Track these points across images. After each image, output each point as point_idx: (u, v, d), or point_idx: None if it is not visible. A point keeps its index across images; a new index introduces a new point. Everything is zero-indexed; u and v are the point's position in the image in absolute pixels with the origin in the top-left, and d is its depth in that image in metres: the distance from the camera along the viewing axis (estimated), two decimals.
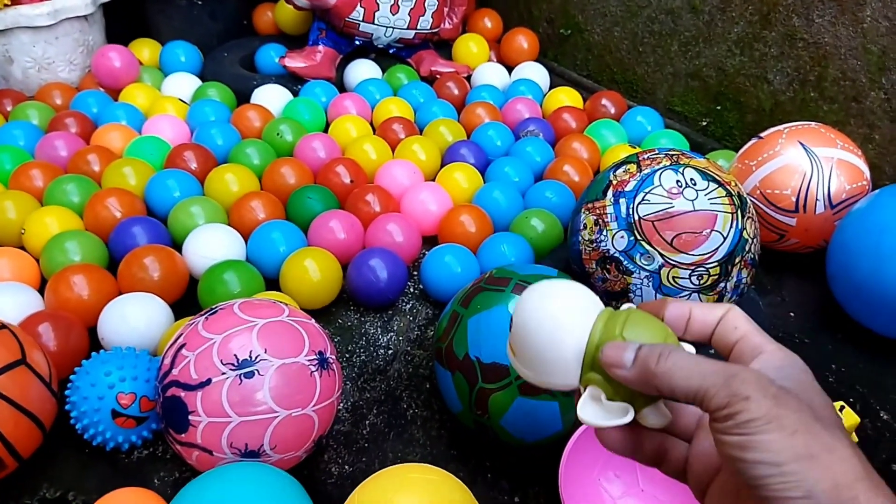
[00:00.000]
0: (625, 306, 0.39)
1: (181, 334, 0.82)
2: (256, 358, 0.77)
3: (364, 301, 1.15)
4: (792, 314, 1.16)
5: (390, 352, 1.10)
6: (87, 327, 1.01)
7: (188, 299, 1.12)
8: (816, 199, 1.15)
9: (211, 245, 1.14)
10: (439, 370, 0.89)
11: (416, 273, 1.25)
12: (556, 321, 0.39)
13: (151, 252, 1.10)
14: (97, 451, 0.90)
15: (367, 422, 0.98)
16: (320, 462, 0.92)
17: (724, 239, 0.88)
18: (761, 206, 1.19)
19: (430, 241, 1.31)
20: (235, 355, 0.77)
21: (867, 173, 1.18)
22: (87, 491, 0.86)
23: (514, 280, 0.86)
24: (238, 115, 1.52)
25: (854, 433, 0.90)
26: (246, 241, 1.19)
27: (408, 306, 1.19)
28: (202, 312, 0.84)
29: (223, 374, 0.76)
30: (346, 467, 0.92)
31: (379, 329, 1.14)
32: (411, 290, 1.22)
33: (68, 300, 1.03)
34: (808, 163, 1.16)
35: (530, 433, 0.84)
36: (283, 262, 1.14)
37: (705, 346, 0.38)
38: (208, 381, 0.76)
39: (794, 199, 1.16)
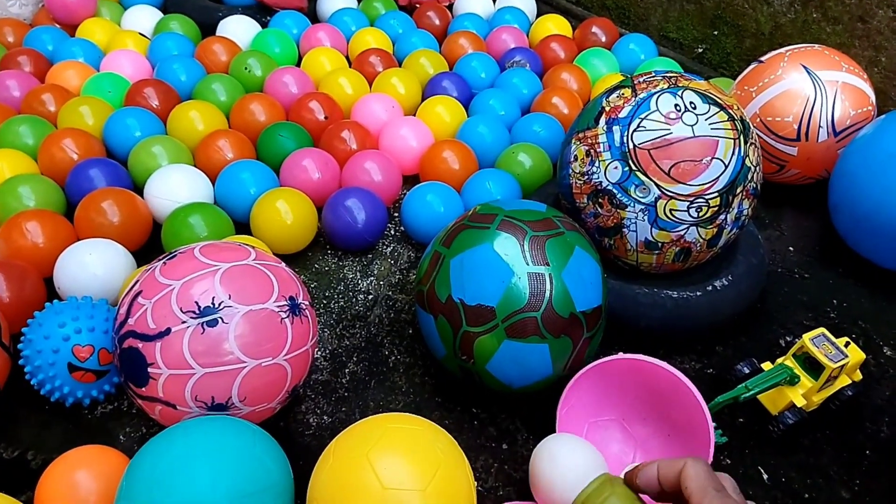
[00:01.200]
0: (628, 468, 0.49)
1: (137, 281, 0.75)
2: (220, 305, 0.71)
3: (341, 244, 1.09)
4: (791, 248, 1.11)
5: (370, 297, 1.04)
6: (43, 277, 0.95)
7: (151, 246, 1.05)
8: (819, 126, 1.08)
9: (175, 187, 1.07)
10: (421, 314, 0.83)
11: (396, 214, 1.18)
12: (553, 482, 0.64)
13: (110, 195, 1.03)
14: (57, 409, 0.84)
15: (347, 370, 0.93)
16: (297, 413, 0.87)
17: (726, 167, 0.82)
18: (761, 135, 1.12)
19: (410, 180, 1.24)
20: (197, 302, 0.71)
21: (872, 98, 1.11)
22: (48, 450, 0.80)
23: (500, 216, 0.79)
24: (203, 49, 1.42)
25: (858, 370, 0.86)
26: (213, 183, 1.12)
27: (388, 249, 1.12)
28: (160, 257, 0.77)
29: (183, 322, 0.70)
30: (325, 418, 0.87)
31: (358, 273, 1.08)
32: (392, 231, 1.16)
33: (22, 248, 0.96)
34: (812, 87, 1.08)
35: (518, 378, 0.79)
36: (254, 204, 1.06)
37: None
38: (167, 331, 0.70)
39: (795, 127, 1.09)
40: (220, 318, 0.71)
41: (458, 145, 1.18)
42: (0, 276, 0.89)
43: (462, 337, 0.77)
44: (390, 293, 1.04)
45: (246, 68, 1.36)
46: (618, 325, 0.90)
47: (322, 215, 1.09)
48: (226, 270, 0.74)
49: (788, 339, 0.94)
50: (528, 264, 0.75)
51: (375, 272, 1.08)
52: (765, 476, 0.79)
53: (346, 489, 0.64)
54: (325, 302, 1.02)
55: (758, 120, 1.12)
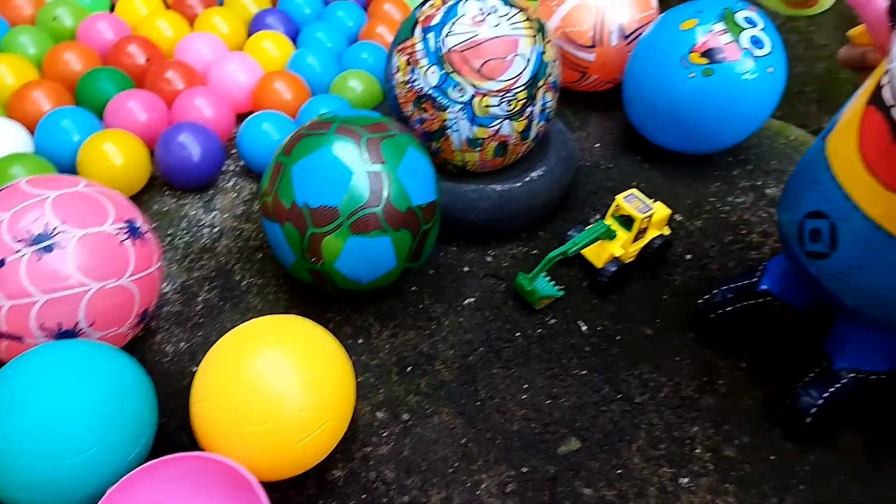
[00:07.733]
0: None
1: None
2: (54, 231, 0.71)
3: (179, 182, 1.09)
4: (597, 145, 1.25)
5: (216, 229, 1.05)
6: None
7: None
8: (611, 32, 1.22)
9: None
10: (268, 225, 0.87)
11: (233, 151, 1.19)
12: None
13: None
14: None
15: (199, 298, 0.95)
16: (153, 344, 0.89)
17: (528, 62, 0.91)
18: (564, 45, 1.24)
19: (244, 118, 1.24)
20: (29, 230, 0.70)
21: (654, 2, 1.26)
22: None
23: (336, 123, 0.84)
24: (3, 3, 1.32)
25: (667, 227, 1.00)
26: (32, 135, 1.07)
27: (230, 184, 1.13)
28: None
29: (17, 251, 0.69)
30: (182, 344, 0.89)
31: (201, 209, 1.08)
32: (231, 167, 1.17)
33: None
34: None
35: (366, 273, 0.85)
36: (79, 150, 1.03)
37: None
38: (2, 262, 0.69)
39: (591, 35, 1.22)
40: (56, 243, 0.71)
41: (289, 76, 1.20)
42: None
43: (310, 239, 0.82)
44: (236, 224, 1.06)
45: (53, 19, 1.29)
46: (452, 220, 0.99)
47: (155, 155, 1.08)
48: (56, 197, 0.73)
49: (598, 217, 1.08)
50: (366, 163, 0.81)
51: (219, 206, 1.09)
52: (584, 328, 0.92)
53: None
54: (168, 239, 1.03)
55: (560, 32, 1.23)
